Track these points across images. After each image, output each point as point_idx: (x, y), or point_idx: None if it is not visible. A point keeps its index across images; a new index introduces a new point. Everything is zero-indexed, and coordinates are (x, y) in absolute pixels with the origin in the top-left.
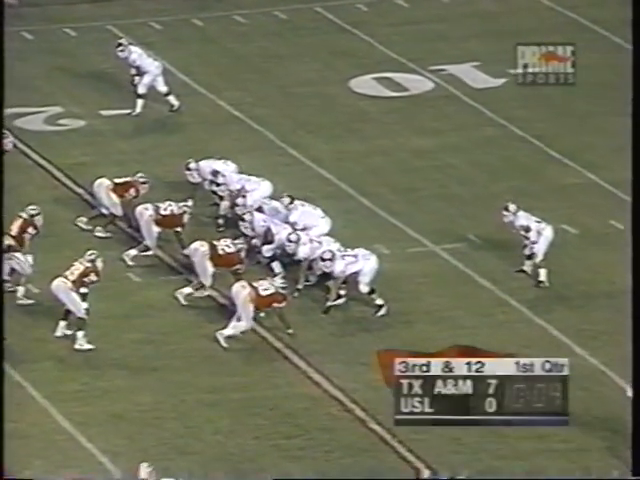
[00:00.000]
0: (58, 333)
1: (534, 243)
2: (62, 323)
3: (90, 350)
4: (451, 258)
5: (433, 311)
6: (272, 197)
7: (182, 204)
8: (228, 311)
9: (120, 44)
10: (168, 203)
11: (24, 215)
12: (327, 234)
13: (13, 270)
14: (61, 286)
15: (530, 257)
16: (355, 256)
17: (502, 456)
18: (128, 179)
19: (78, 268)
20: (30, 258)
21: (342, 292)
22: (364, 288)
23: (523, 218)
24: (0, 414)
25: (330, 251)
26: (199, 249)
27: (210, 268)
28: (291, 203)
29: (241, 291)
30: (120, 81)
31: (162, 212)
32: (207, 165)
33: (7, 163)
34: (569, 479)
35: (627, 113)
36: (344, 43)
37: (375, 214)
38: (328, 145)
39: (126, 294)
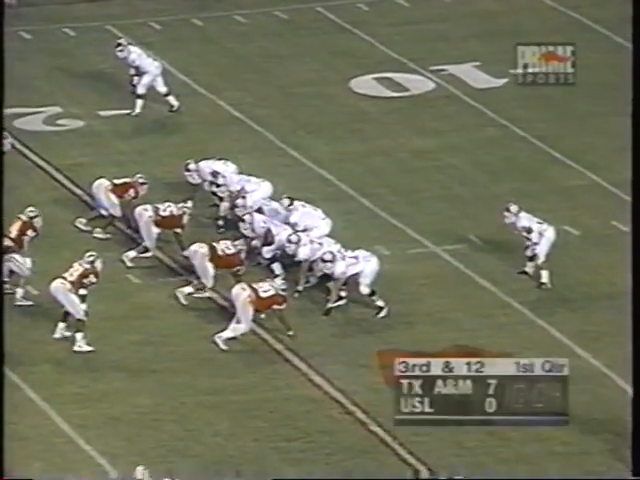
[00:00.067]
0: (57, 335)
1: (536, 244)
2: (61, 325)
3: (89, 352)
4: (452, 259)
5: (434, 313)
6: (272, 198)
7: (182, 205)
8: (228, 313)
9: (119, 44)
10: (168, 204)
11: (23, 217)
12: (328, 235)
13: (12, 272)
14: (60, 287)
15: (532, 258)
16: (356, 257)
17: (504, 459)
18: (127, 180)
19: (77, 269)
20: (29, 260)
21: (343, 293)
22: (365, 289)
23: (525, 219)
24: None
25: (331, 252)
26: (198, 251)
27: (211, 270)
28: (291, 205)
29: (241, 293)
30: (119, 81)
31: (162, 213)
32: (207, 166)
33: (6, 163)
34: (568, 479)
35: (628, 113)
36: (344, 43)
37: (376, 215)
38: (328, 146)
39: (125, 296)
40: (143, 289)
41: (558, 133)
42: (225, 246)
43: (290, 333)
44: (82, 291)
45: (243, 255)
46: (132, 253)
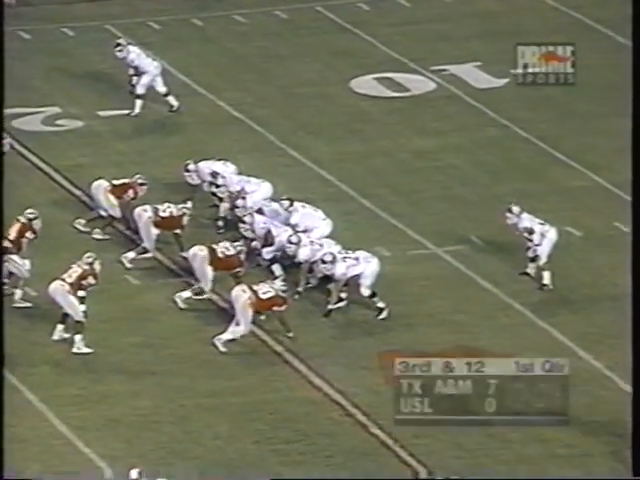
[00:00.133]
0: (55, 336)
1: (537, 245)
2: (60, 326)
3: (88, 354)
4: (453, 260)
5: (435, 314)
6: (272, 199)
7: (181, 206)
8: (228, 315)
9: (118, 44)
10: (167, 205)
11: (22, 219)
12: (328, 236)
13: (11, 273)
14: (59, 289)
15: (533, 260)
16: (356, 258)
17: (504, 460)
18: (126, 180)
19: (76, 271)
20: (28, 262)
21: (343, 295)
22: (365, 291)
23: (526, 220)
24: None
25: (331, 253)
26: (198, 254)
27: (210, 272)
28: (290, 206)
29: (241, 295)
30: (119, 81)
31: (161, 214)
32: (206, 166)
33: (5, 164)
34: (567, 479)
35: (629, 113)
36: (345, 43)
37: (376, 216)
38: (329, 146)
39: (124, 297)
40: (142, 290)
41: (559, 133)
42: (225, 247)
43: (290, 335)
44: (81, 292)
45: (243, 256)
46: (131, 254)
